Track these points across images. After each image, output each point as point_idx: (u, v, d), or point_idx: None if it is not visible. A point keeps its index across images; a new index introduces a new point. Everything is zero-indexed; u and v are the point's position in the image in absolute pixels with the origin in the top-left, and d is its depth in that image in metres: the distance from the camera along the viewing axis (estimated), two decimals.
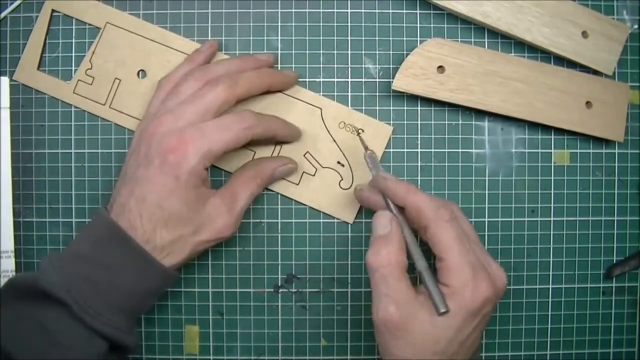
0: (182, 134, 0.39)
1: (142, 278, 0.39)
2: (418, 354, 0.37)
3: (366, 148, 0.43)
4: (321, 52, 0.47)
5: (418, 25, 0.47)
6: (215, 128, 0.40)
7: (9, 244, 0.45)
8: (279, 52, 0.47)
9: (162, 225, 0.39)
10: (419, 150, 0.47)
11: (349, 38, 0.47)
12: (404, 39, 0.47)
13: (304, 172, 0.46)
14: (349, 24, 0.47)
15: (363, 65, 0.47)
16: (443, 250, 0.37)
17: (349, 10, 0.47)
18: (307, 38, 0.47)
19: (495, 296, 0.37)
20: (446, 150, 0.47)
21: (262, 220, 0.47)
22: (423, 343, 0.37)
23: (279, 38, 0.47)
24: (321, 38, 0.47)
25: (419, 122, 0.47)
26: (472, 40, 0.47)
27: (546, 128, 0.47)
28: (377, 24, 0.47)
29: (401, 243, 0.38)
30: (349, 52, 0.47)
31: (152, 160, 0.39)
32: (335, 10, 0.47)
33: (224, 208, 0.41)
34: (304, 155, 0.46)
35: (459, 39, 0.47)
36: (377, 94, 0.47)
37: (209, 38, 0.46)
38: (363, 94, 0.47)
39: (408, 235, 0.39)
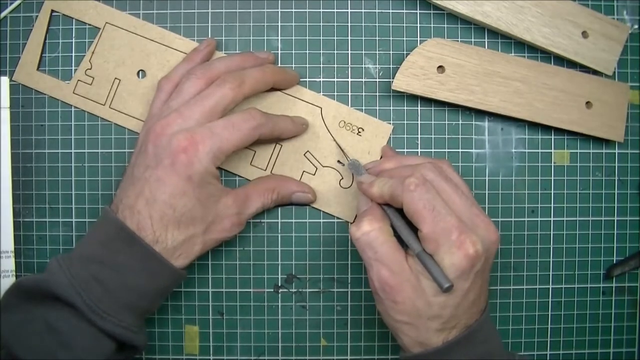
0: (192, 134, 0.39)
1: (152, 278, 0.39)
2: (414, 318, 0.37)
3: (347, 157, 0.45)
4: (321, 52, 0.47)
5: (418, 25, 0.47)
6: (225, 127, 0.40)
7: (9, 244, 0.44)
8: (279, 52, 0.47)
9: (174, 225, 0.39)
10: (419, 150, 0.47)
11: (349, 38, 0.47)
12: (404, 39, 0.47)
13: (304, 171, 0.46)
14: (349, 24, 0.47)
15: (363, 65, 0.47)
16: (417, 221, 0.37)
17: (349, 10, 0.47)
18: (307, 38, 0.47)
19: (484, 253, 0.37)
20: (446, 150, 0.47)
21: (262, 220, 0.47)
22: (417, 308, 0.37)
23: (279, 38, 0.47)
24: (321, 38, 0.47)
25: (419, 122, 0.47)
26: (472, 40, 0.47)
27: (546, 128, 0.47)
28: (377, 24, 0.47)
29: (382, 214, 0.39)
30: (349, 52, 0.47)
31: (161, 160, 0.39)
32: (335, 10, 0.47)
33: (235, 209, 0.42)
34: (304, 154, 0.46)
35: (459, 39, 0.47)
36: (377, 94, 0.47)
37: (208, 38, 0.46)
38: (363, 93, 0.47)
39: (397, 222, 0.39)
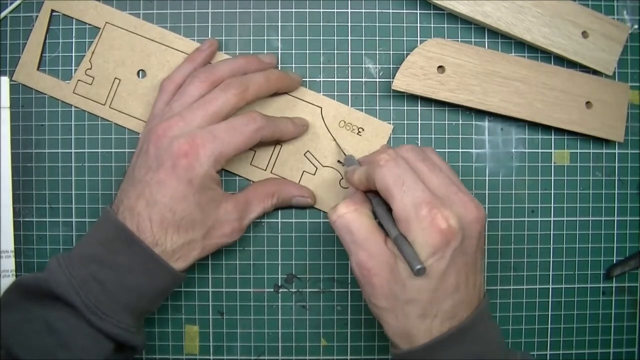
0: (194, 137, 0.39)
1: (151, 279, 0.39)
2: (392, 302, 0.36)
3: (344, 153, 0.45)
4: (321, 52, 0.47)
5: (418, 25, 0.47)
6: (226, 131, 0.40)
7: (9, 243, 0.44)
8: (279, 52, 0.47)
9: (173, 229, 0.39)
10: None
11: (349, 38, 0.47)
12: (404, 39, 0.47)
13: (304, 171, 0.46)
14: (349, 24, 0.47)
15: (363, 65, 0.47)
16: (387, 198, 0.36)
17: (349, 10, 0.47)
18: (307, 38, 0.47)
19: (461, 230, 0.35)
20: (446, 150, 0.47)
21: (262, 220, 0.47)
22: (394, 291, 0.36)
23: (279, 38, 0.47)
24: (321, 38, 0.47)
25: (419, 122, 0.47)
26: (472, 40, 0.47)
27: (546, 128, 0.47)
28: (377, 24, 0.47)
29: (362, 199, 0.38)
30: (349, 52, 0.47)
31: (163, 163, 0.39)
32: (335, 10, 0.47)
33: (235, 215, 0.42)
34: (304, 154, 0.46)
35: (459, 39, 0.47)
36: (377, 93, 0.47)
37: (209, 38, 0.46)
38: (363, 93, 0.47)
39: (380, 209, 0.38)
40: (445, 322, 0.36)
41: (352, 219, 0.37)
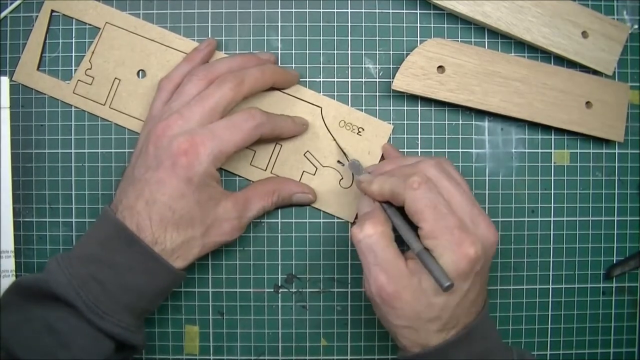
0: (193, 135, 0.39)
1: (151, 278, 0.39)
2: (414, 321, 0.37)
3: (347, 157, 0.45)
4: (321, 52, 0.47)
5: (418, 25, 0.47)
6: (226, 128, 0.40)
7: (9, 244, 0.44)
8: (279, 52, 0.47)
9: (173, 227, 0.39)
10: (419, 150, 0.47)
11: (349, 38, 0.47)
12: (404, 39, 0.47)
13: (304, 171, 0.46)
14: (349, 24, 0.47)
15: (363, 65, 0.47)
16: (418, 220, 0.37)
17: (349, 10, 0.47)
18: (307, 38, 0.47)
19: (484, 254, 0.37)
20: (446, 150, 0.47)
21: (262, 220, 0.47)
22: (417, 311, 0.37)
23: (279, 38, 0.47)
24: (321, 38, 0.47)
25: (419, 122, 0.47)
26: (472, 40, 0.47)
27: (546, 128, 0.47)
28: (377, 24, 0.47)
29: (385, 218, 0.39)
30: (349, 52, 0.47)
31: (162, 162, 0.39)
32: (335, 10, 0.47)
33: (235, 214, 0.42)
34: (304, 154, 0.46)
35: (459, 39, 0.47)
36: (377, 94, 0.47)
37: (208, 38, 0.46)
38: (363, 93, 0.47)
39: (398, 220, 0.39)
40: (459, 329, 0.38)
41: (377, 242, 0.37)
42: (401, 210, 0.39)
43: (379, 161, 0.46)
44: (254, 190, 0.44)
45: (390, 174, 0.40)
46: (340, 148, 0.46)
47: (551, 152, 0.47)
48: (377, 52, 0.47)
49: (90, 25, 0.46)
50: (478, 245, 0.36)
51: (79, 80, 0.46)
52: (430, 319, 0.37)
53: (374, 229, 0.37)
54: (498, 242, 0.39)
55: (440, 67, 0.45)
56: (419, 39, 0.47)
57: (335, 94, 0.47)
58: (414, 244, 0.37)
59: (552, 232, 0.48)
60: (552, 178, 0.47)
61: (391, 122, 0.47)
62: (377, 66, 0.47)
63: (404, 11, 0.47)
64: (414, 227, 0.38)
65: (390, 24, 0.47)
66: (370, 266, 0.38)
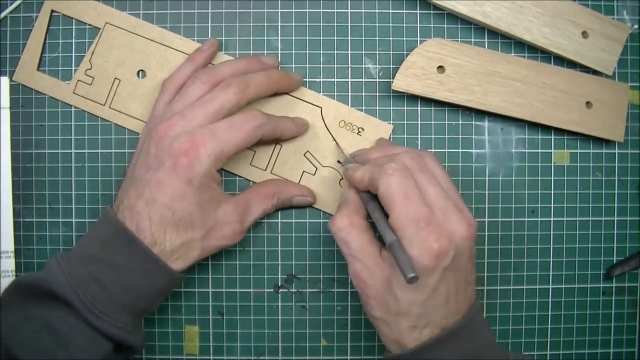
0: (194, 136, 0.39)
1: (150, 279, 0.39)
2: (385, 314, 0.37)
3: (343, 152, 0.45)
4: (321, 52, 0.47)
5: (418, 25, 0.47)
6: (226, 129, 0.40)
7: (9, 244, 0.44)
8: (279, 52, 0.46)
9: (172, 228, 0.39)
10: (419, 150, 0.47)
11: (349, 38, 0.47)
12: (404, 39, 0.47)
13: (304, 171, 0.46)
14: (349, 24, 0.47)
15: (363, 65, 0.47)
16: (388, 207, 0.37)
17: (349, 10, 0.47)
18: (307, 38, 0.47)
19: (453, 249, 0.36)
20: (446, 150, 0.47)
21: (262, 221, 0.47)
22: (386, 302, 0.37)
23: (279, 38, 0.46)
24: (321, 38, 0.47)
25: (419, 122, 0.47)
26: (472, 40, 0.47)
27: (546, 128, 0.47)
28: (377, 24, 0.47)
29: (357, 207, 0.39)
30: (349, 52, 0.47)
31: (163, 162, 0.39)
32: (335, 10, 0.47)
33: (236, 217, 0.42)
34: (304, 155, 0.46)
35: (459, 39, 0.47)
36: (377, 94, 0.47)
37: (209, 38, 0.46)
38: (363, 94, 0.47)
39: (374, 210, 0.39)
40: (435, 331, 0.37)
41: (349, 233, 0.38)
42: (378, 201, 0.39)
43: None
44: (254, 193, 0.44)
45: (373, 163, 0.40)
46: (340, 148, 0.46)
47: (551, 152, 0.47)
48: (377, 52, 0.47)
49: (90, 25, 0.46)
50: (444, 239, 0.35)
51: (78, 80, 0.46)
52: (399, 312, 0.37)
53: (343, 221, 0.39)
54: (472, 237, 0.37)
55: (440, 67, 0.45)
56: (419, 39, 0.47)
57: (335, 94, 0.47)
58: (387, 235, 0.37)
59: (552, 232, 0.48)
60: (552, 178, 0.47)
61: (391, 122, 0.47)
62: (377, 66, 0.47)
63: (404, 11, 0.47)
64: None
65: (390, 24, 0.47)
66: (346, 256, 0.39)
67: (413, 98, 0.47)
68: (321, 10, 0.47)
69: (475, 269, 0.39)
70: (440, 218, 0.36)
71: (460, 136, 0.47)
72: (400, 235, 0.36)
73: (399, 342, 0.38)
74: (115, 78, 0.46)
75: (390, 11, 0.47)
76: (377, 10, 0.47)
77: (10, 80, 0.46)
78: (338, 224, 0.39)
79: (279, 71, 0.45)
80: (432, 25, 0.47)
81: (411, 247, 0.35)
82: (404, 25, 0.47)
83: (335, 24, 0.47)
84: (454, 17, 0.47)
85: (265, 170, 0.46)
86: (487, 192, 0.47)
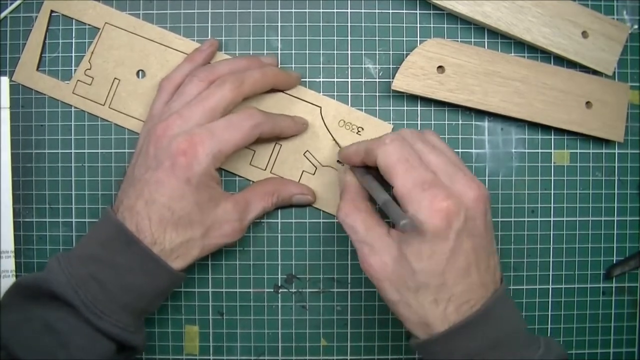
0: (192, 135, 0.39)
1: (150, 279, 0.39)
2: (404, 293, 0.36)
3: (340, 146, 0.45)
4: (321, 52, 0.47)
5: (418, 25, 0.47)
6: (225, 128, 0.40)
7: (9, 244, 0.44)
8: (279, 52, 0.46)
9: (172, 227, 0.39)
10: None
11: (349, 38, 0.47)
12: (404, 39, 0.47)
13: (303, 170, 0.46)
14: (349, 24, 0.47)
15: (363, 65, 0.47)
16: (390, 176, 0.36)
17: (349, 10, 0.47)
18: (307, 38, 0.47)
19: (463, 210, 0.34)
20: None
21: (262, 220, 0.47)
22: (403, 280, 0.36)
23: (279, 38, 0.46)
24: (321, 38, 0.47)
25: (419, 122, 0.47)
26: (472, 40, 0.47)
27: (546, 128, 0.47)
28: (377, 24, 0.47)
29: (358, 189, 0.40)
30: (349, 52, 0.47)
31: (162, 162, 0.39)
32: (335, 10, 0.47)
33: (236, 215, 0.42)
34: (303, 154, 0.46)
35: (459, 39, 0.46)
36: (377, 94, 0.47)
37: (209, 38, 0.46)
38: (363, 94, 0.47)
39: (366, 179, 0.39)
40: (461, 307, 0.35)
41: (354, 219, 0.38)
42: (377, 173, 0.38)
43: None
44: (254, 191, 0.44)
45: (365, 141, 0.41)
46: (340, 147, 0.46)
47: (551, 152, 0.47)
48: (377, 52, 0.47)
49: (89, 25, 0.46)
50: (452, 199, 0.34)
51: (78, 80, 0.46)
52: (418, 287, 0.35)
53: (347, 206, 0.39)
54: (486, 200, 0.36)
55: (440, 67, 0.45)
56: (419, 39, 0.47)
57: (335, 94, 0.47)
58: (380, 196, 0.36)
59: (552, 232, 0.48)
60: (552, 178, 0.47)
61: (391, 122, 0.47)
62: (377, 66, 0.47)
63: (404, 11, 0.47)
64: (389, 189, 0.37)
65: (390, 24, 0.47)
66: (354, 243, 0.38)
67: (413, 98, 0.46)
68: (321, 10, 0.47)
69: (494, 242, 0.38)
70: (447, 181, 0.35)
71: (460, 136, 0.47)
72: (406, 202, 0.35)
73: (425, 324, 0.36)
74: (115, 78, 0.46)
75: (390, 11, 0.47)
76: (377, 10, 0.47)
77: (10, 80, 0.46)
78: (343, 210, 0.39)
79: (275, 68, 0.45)
80: (432, 25, 0.47)
81: (419, 209, 0.34)
82: (404, 25, 0.47)
83: (335, 24, 0.47)
84: (454, 17, 0.47)
85: (265, 169, 0.46)
86: None
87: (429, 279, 0.35)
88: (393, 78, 0.44)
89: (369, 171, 0.40)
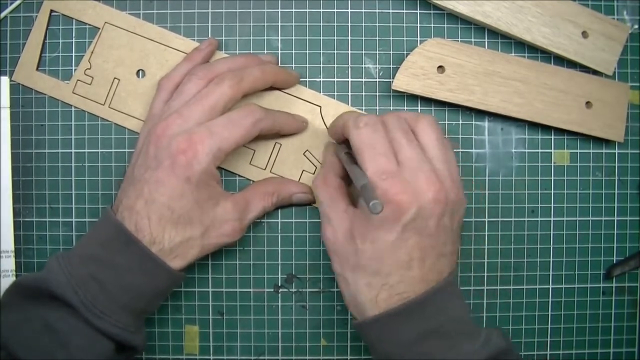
0: (191, 134, 0.39)
1: (149, 279, 0.39)
2: (343, 268, 0.38)
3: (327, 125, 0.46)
4: (321, 52, 0.47)
5: (418, 25, 0.47)
6: (224, 125, 0.40)
7: (9, 243, 0.44)
8: (279, 52, 0.46)
9: (171, 226, 0.39)
10: None
11: (349, 38, 0.47)
12: (404, 39, 0.47)
13: (303, 170, 0.46)
14: (349, 24, 0.47)
15: (363, 65, 0.47)
16: (358, 158, 0.38)
17: (349, 10, 0.47)
18: (307, 38, 0.47)
19: (416, 208, 0.35)
20: None
21: (262, 220, 0.47)
22: (346, 256, 0.38)
23: (279, 38, 0.46)
24: (321, 38, 0.47)
25: None
26: (472, 40, 0.47)
27: (546, 128, 0.47)
28: (377, 24, 0.47)
29: (333, 166, 0.42)
30: (349, 52, 0.47)
31: (161, 161, 0.39)
32: (335, 10, 0.47)
33: (236, 215, 0.42)
34: (303, 154, 0.46)
35: (459, 39, 0.46)
36: (377, 94, 0.47)
37: (209, 38, 0.46)
38: (363, 93, 0.47)
39: (345, 158, 0.40)
40: (394, 297, 0.36)
41: (321, 190, 0.41)
42: None
43: None
44: (254, 191, 0.44)
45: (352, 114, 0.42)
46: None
47: (551, 152, 0.47)
48: (377, 52, 0.47)
49: (89, 25, 0.46)
50: (407, 195, 0.35)
51: (78, 80, 0.46)
52: (356, 266, 0.37)
53: (318, 179, 0.42)
54: (445, 202, 0.36)
55: (440, 67, 0.45)
56: (419, 39, 0.47)
57: (335, 94, 0.47)
58: (359, 179, 0.36)
59: (552, 232, 0.48)
60: (552, 178, 0.47)
61: None
62: (377, 66, 0.47)
63: (404, 11, 0.47)
64: None
65: (390, 24, 0.47)
66: (320, 216, 0.41)
67: (413, 98, 0.46)
68: (321, 10, 0.47)
69: (458, 244, 0.40)
70: (409, 176, 0.36)
71: (460, 136, 0.47)
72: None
73: (356, 303, 0.38)
74: (115, 78, 0.46)
75: (390, 11, 0.47)
76: (377, 10, 0.47)
77: (10, 80, 0.46)
78: (315, 182, 0.42)
79: (274, 65, 0.45)
80: (432, 25, 0.47)
81: (374, 196, 0.35)
82: (404, 25, 0.47)
83: (335, 24, 0.47)
84: (454, 17, 0.47)
85: (265, 169, 0.46)
86: (487, 192, 0.47)
87: (367, 261, 0.37)
88: (393, 78, 0.44)
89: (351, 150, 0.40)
